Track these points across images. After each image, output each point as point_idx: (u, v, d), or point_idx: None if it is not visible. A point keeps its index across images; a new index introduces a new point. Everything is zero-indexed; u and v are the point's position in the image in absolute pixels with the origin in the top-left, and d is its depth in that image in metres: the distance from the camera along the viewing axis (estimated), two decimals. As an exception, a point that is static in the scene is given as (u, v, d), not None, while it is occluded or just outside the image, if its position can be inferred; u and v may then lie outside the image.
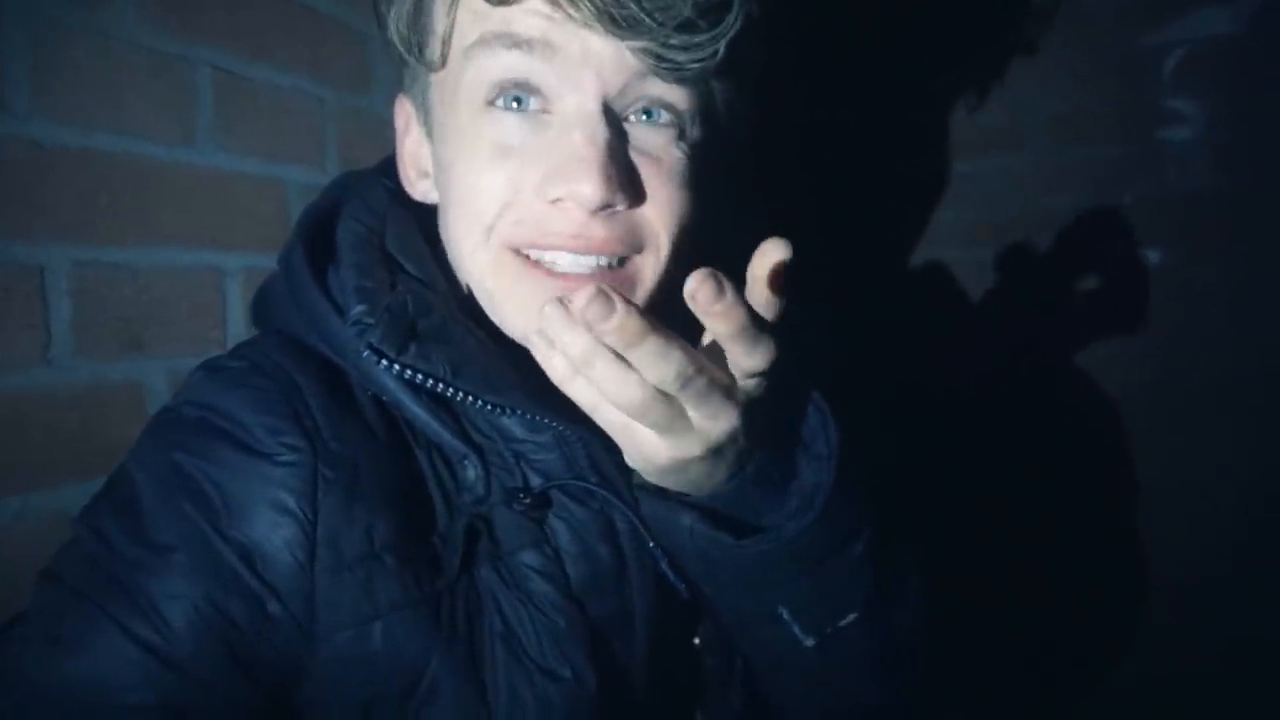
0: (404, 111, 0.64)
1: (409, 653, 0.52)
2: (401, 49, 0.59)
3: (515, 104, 0.54)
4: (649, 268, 0.58)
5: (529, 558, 0.56)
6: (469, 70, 0.55)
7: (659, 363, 0.43)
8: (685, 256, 0.58)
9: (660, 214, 0.56)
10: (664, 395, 0.45)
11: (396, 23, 0.58)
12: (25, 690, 0.47)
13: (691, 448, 0.48)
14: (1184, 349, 1.32)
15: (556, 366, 0.46)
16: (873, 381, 0.99)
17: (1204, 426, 1.31)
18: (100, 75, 0.77)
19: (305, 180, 0.98)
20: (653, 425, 0.47)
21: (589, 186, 0.51)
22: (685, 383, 0.44)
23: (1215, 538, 1.29)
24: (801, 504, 0.54)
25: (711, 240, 0.60)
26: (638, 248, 0.57)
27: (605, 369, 0.43)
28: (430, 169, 0.63)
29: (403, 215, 0.63)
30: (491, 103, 0.55)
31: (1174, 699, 1.26)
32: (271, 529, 0.50)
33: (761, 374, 0.47)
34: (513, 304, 0.57)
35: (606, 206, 0.53)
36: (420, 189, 0.64)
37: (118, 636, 0.48)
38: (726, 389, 0.47)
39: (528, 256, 0.56)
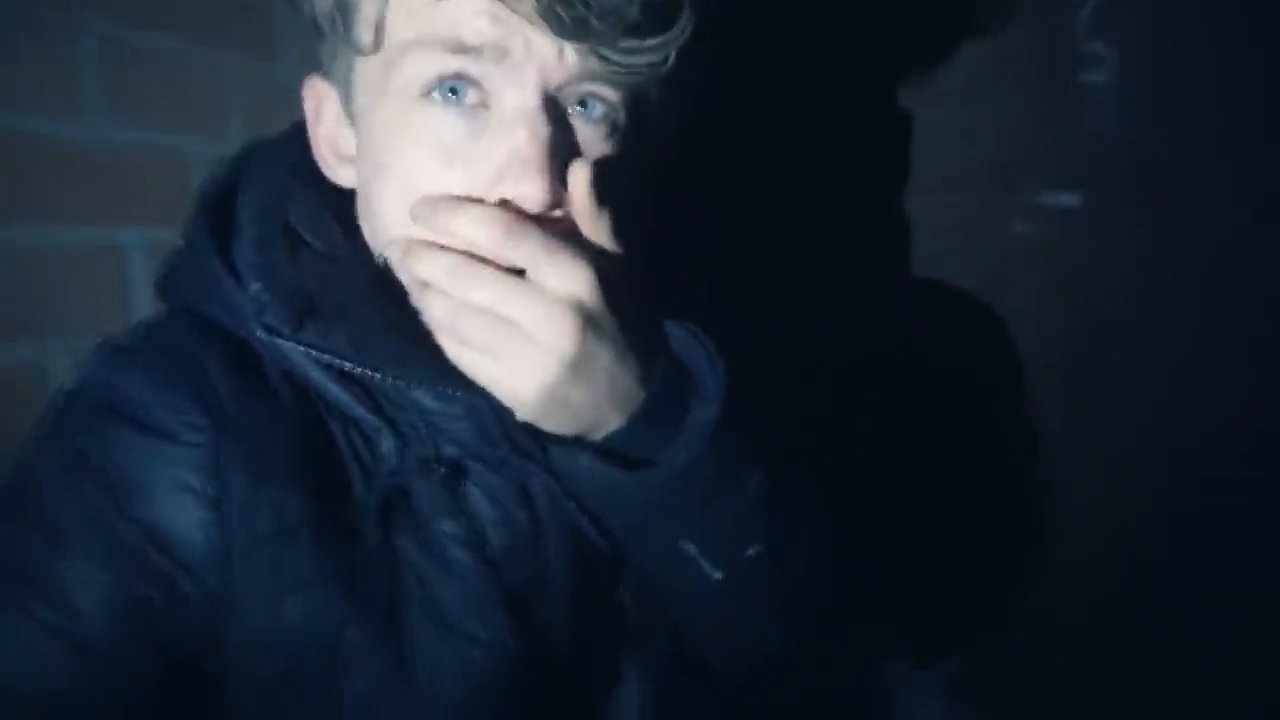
0: (315, 92, 0.61)
1: (325, 626, 0.53)
2: (325, 26, 0.56)
3: (451, 94, 0.52)
4: None
5: (446, 526, 0.57)
6: (405, 66, 0.52)
7: (472, 224, 0.49)
8: (630, 249, 0.58)
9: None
10: (482, 311, 0.49)
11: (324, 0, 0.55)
12: None
13: (542, 369, 0.50)
14: (1099, 292, 1.37)
15: (427, 319, 0.51)
16: (791, 331, 1.01)
17: (1123, 373, 1.37)
18: (-26, 44, 0.73)
19: (207, 151, 0.95)
20: (486, 349, 0.50)
21: (535, 187, 0.51)
22: (500, 239, 0.49)
23: (1116, 476, 1.36)
24: (690, 437, 0.56)
25: (655, 230, 0.60)
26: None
27: (432, 298, 0.50)
28: (352, 154, 0.60)
29: (308, 188, 0.62)
30: (426, 94, 0.53)
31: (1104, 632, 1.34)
32: (177, 509, 0.50)
33: (581, 292, 0.50)
34: None
35: (556, 206, 0.53)
36: (342, 175, 0.61)
37: (25, 624, 0.47)
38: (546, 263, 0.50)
39: None
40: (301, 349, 0.53)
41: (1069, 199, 1.40)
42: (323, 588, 0.53)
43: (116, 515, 0.49)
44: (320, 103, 0.61)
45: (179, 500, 0.50)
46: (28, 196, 0.78)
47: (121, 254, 0.86)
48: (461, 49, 0.50)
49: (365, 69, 0.55)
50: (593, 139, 0.55)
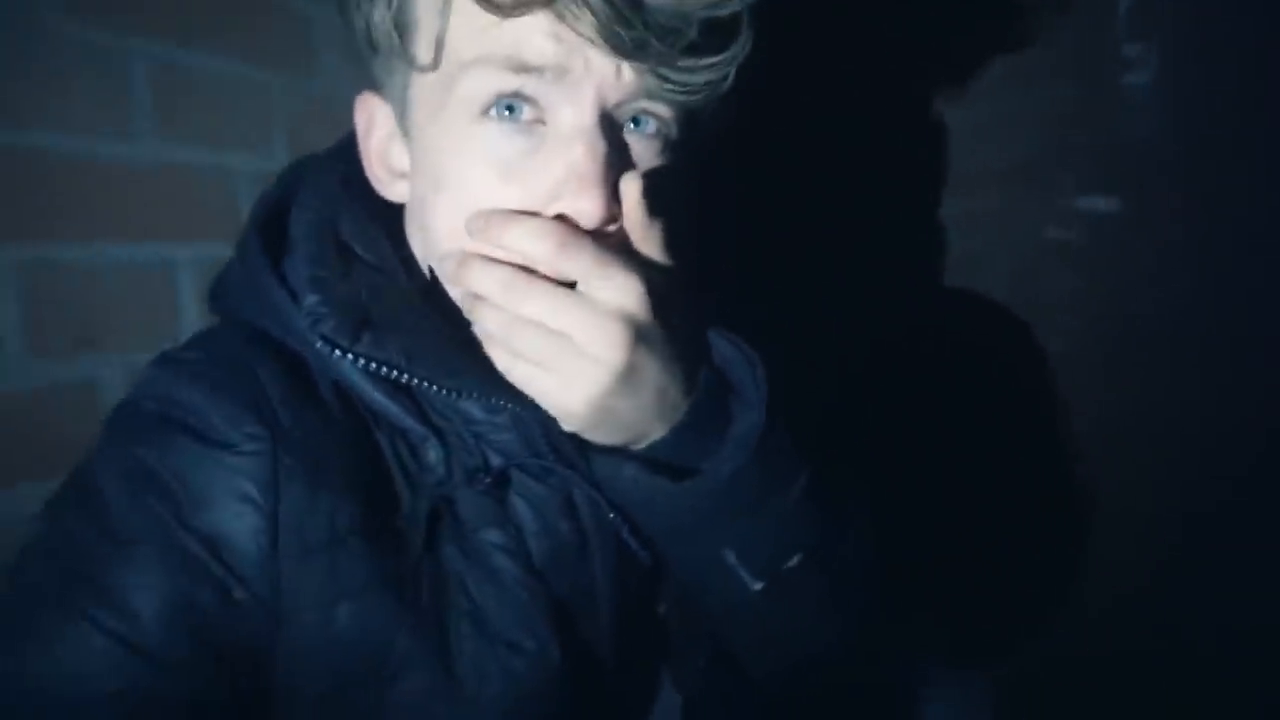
0: (367, 108, 0.61)
1: (375, 632, 0.53)
2: (384, 43, 0.56)
3: (508, 111, 0.53)
4: None
5: (492, 535, 0.57)
6: (465, 83, 0.53)
7: (527, 238, 0.50)
8: (677, 260, 0.59)
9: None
10: (535, 324, 0.50)
11: (382, 17, 0.55)
12: None
13: (593, 381, 0.51)
14: (1137, 295, 1.35)
15: (479, 331, 0.52)
16: (827, 335, 1.01)
17: (1155, 375, 1.35)
18: (31, 71, 0.76)
19: (253, 168, 0.97)
20: (537, 361, 0.51)
21: (591, 203, 0.51)
22: (554, 252, 0.50)
23: (1148, 474, 1.33)
24: (735, 447, 0.56)
25: (699, 239, 0.61)
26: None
27: (485, 310, 0.51)
28: (406, 169, 0.61)
29: (357, 202, 0.63)
30: (484, 112, 0.53)
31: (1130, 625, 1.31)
32: (235, 518, 0.51)
33: (632, 305, 0.51)
34: None
35: (611, 221, 0.53)
36: (394, 190, 0.62)
37: (86, 628, 0.49)
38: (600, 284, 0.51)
39: None
40: (356, 360, 0.54)
41: (1103, 202, 1.39)
42: (374, 595, 0.54)
43: (176, 524, 0.51)
44: (372, 118, 0.61)
45: (237, 509, 0.51)
46: (81, 216, 0.80)
47: (172, 270, 0.88)
48: (524, 68, 0.51)
49: (422, 85, 0.56)
50: (645, 155, 0.56)
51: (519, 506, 0.59)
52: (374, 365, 0.54)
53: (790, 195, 1.30)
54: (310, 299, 0.55)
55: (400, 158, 0.61)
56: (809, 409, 0.61)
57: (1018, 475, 1.38)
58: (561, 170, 0.53)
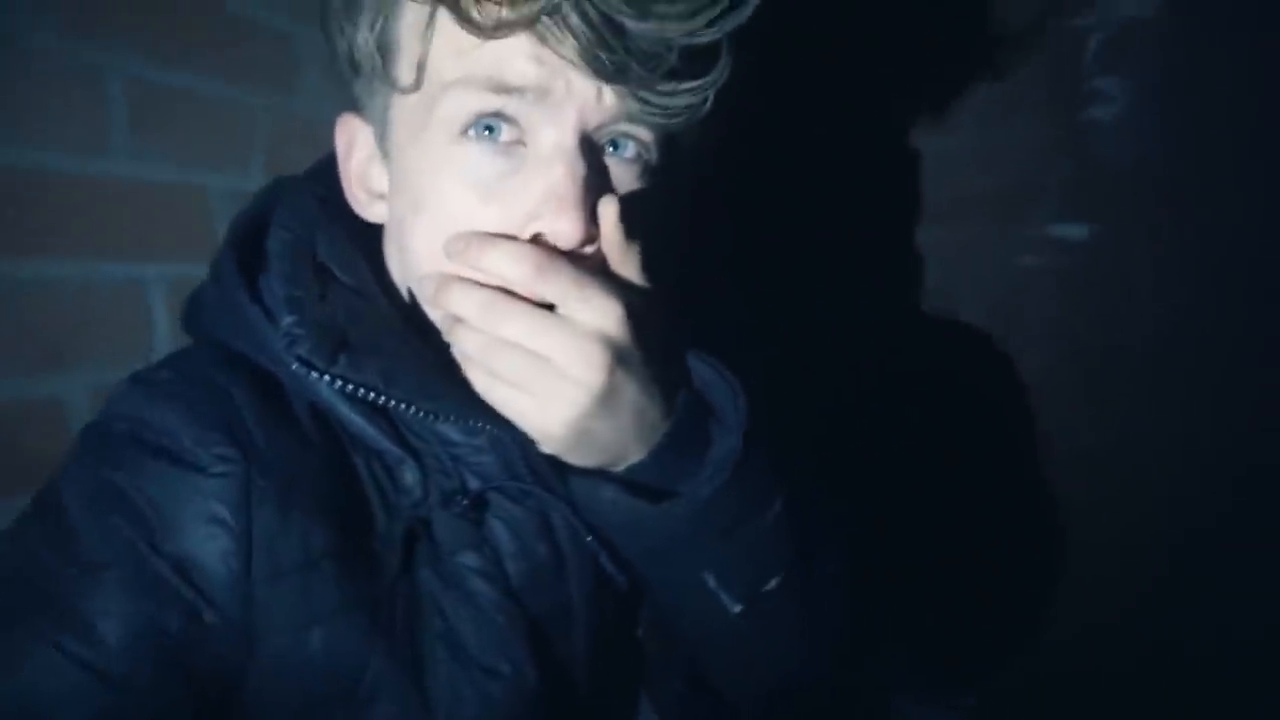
0: (348, 129, 0.61)
1: (348, 656, 0.53)
2: (365, 65, 0.56)
3: (487, 131, 0.53)
4: None
5: (468, 559, 0.57)
6: (446, 103, 0.53)
7: (505, 261, 0.51)
8: (656, 282, 0.59)
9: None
10: (514, 346, 0.50)
11: (364, 39, 0.55)
12: None
13: (571, 402, 0.51)
14: (1114, 321, 1.38)
15: (457, 353, 0.52)
16: (805, 359, 1.02)
17: (1134, 401, 1.37)
18: (5, 85, 0.75)
19: (229, 186, 0.96)
20: (516, 383, 0.51)
21: (570, 225, 0.52)
22: (532, 275, 0.50)
23: (1143, 498, 1.35)
24: (714, 470, 0.56)
25: (678, 262, 0.61)
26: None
27: (463, 332, 0.51)
28: (385, 191, 0.60)
29: (335, 224, 0.63)
30: (464, 132, 0.53)
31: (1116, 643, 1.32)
32: (205, 540, 0.50)
33: (611, 327, 0.51)
34: None
35: (588, 242, 0.54)
36: (373, 211, 0.62)
37: (52, 654, 0.47)
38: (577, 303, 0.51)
39: None
40: (333, 382, 0.53)
41: (1077, 230, 1.42)
42: (347, 618, 0.53)
43: (147, 547, 0.50)
44: (352, 139, 0.61)
45: (207, 531, 0.51)
46: (53, 232, 0.79)
47: (144, 289, 0.87)
48: (505, 89, 0.51)
49: (403, 107, 0.56)
50: (625, 177, 0.57)
51: (496, 529, 0.58)
52: (350, 387, 0.54)
53: (768, 221, 1.32)
54: (287, 319, 0.54)
55: (380, 179, 0.61)
56: (787, 432, 0.61)
57: (994, 501, 1.40)
58: (541, 191, 0.53)
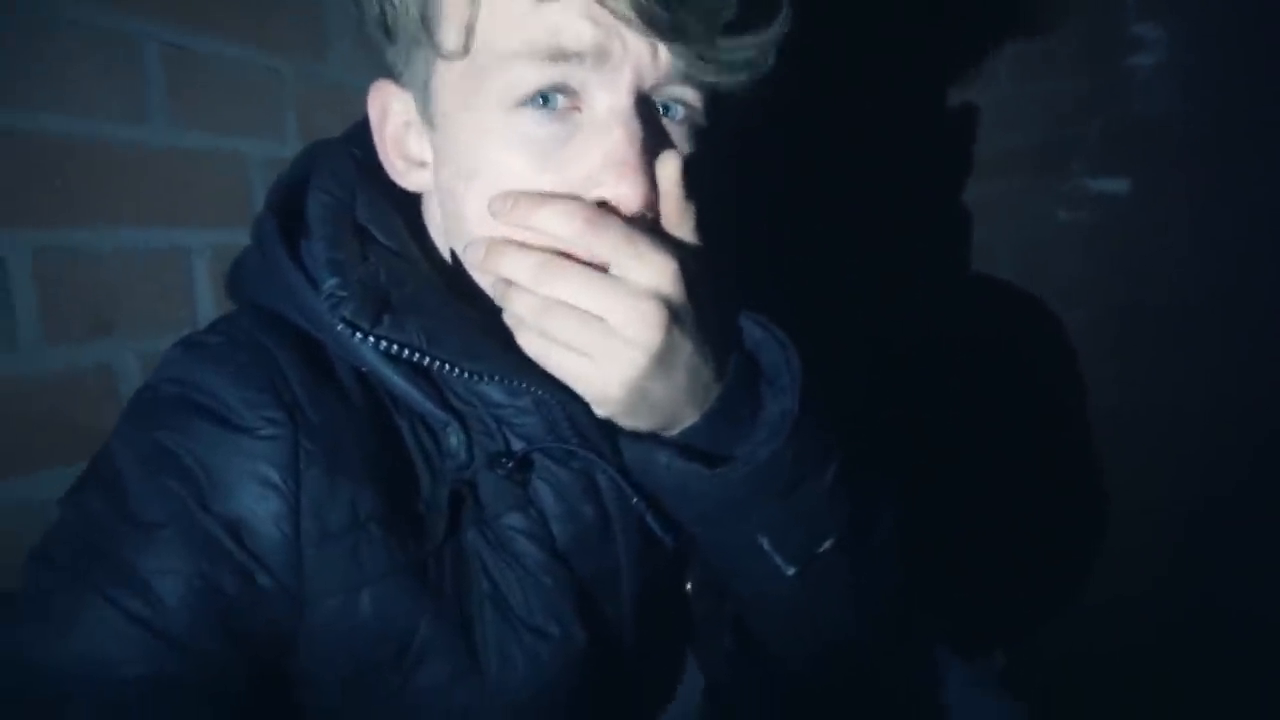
0: (382, 95, 0.60)
1: (398, 618, 0.53)
2: (405, 30, 0.55)
3: (543, 100, 0.52)
4: None
5: (514, 520, 0.57)
6: (503, 74, 0.52)
7: (556, 217, 0.50)
8: (709, 243, 0.58)
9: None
10: (568, 307, 0.50)
11: (403, 3, 0.54)
12: (18, 671, 0.48)
13: (628, 363, 0.50)
14: (1149, 276, 1.34)
15: (508, 317, 0.51)
16: (846, 321, 1.01)
17: (1166, 356, 1.34)
18: (44, 55, 0.75)
19: (266, 153, 0.96)
20: (571, 345, 0.50)
21: (632, 188, 0.51)
22: (584, 231, 0.49)
23: (1173, 459, 1.33)
24: (770, 432, 0.56)
25: (729, 223, 0.60)
26: None
27: (516, 295, 0.51)
28: (428, 159, 0.59)
29: (372, 186, 0.62)
30: (520, 103, 0.52)
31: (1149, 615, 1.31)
32: (256, 502, 0.51)
33: (666, 285, 0.50)
34: None
35: (650, 207, 0.53)
36: (415, 179, 0.61)
37: (110, 612, 0.48)
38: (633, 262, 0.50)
39: None
40: (378, 343, 0.53)
41: (1114, 184, 1.37)
42: (395, 581, 0.53)
43: (198, 508, 0.50)
44: (387, 106, 0.60)
45: (258, 493, 0.51)
46: (95, 201, 0.79)
47: (186, 255, 0.87)
48: (563, 55, 0.50)
49: (450, 73, 0.55)
50: (679, 140, 0.56)
51: (541, 490, 0.58)
52: (394, 347, 0.53)
53: (805, 184, 1.30)
54: (330, 282, 0.54)
55: (419, 147, 0.60)
56: (836, 394, 0.60)
57: (1031, 459, 1.38)
58: (599, 156, 0.52)
